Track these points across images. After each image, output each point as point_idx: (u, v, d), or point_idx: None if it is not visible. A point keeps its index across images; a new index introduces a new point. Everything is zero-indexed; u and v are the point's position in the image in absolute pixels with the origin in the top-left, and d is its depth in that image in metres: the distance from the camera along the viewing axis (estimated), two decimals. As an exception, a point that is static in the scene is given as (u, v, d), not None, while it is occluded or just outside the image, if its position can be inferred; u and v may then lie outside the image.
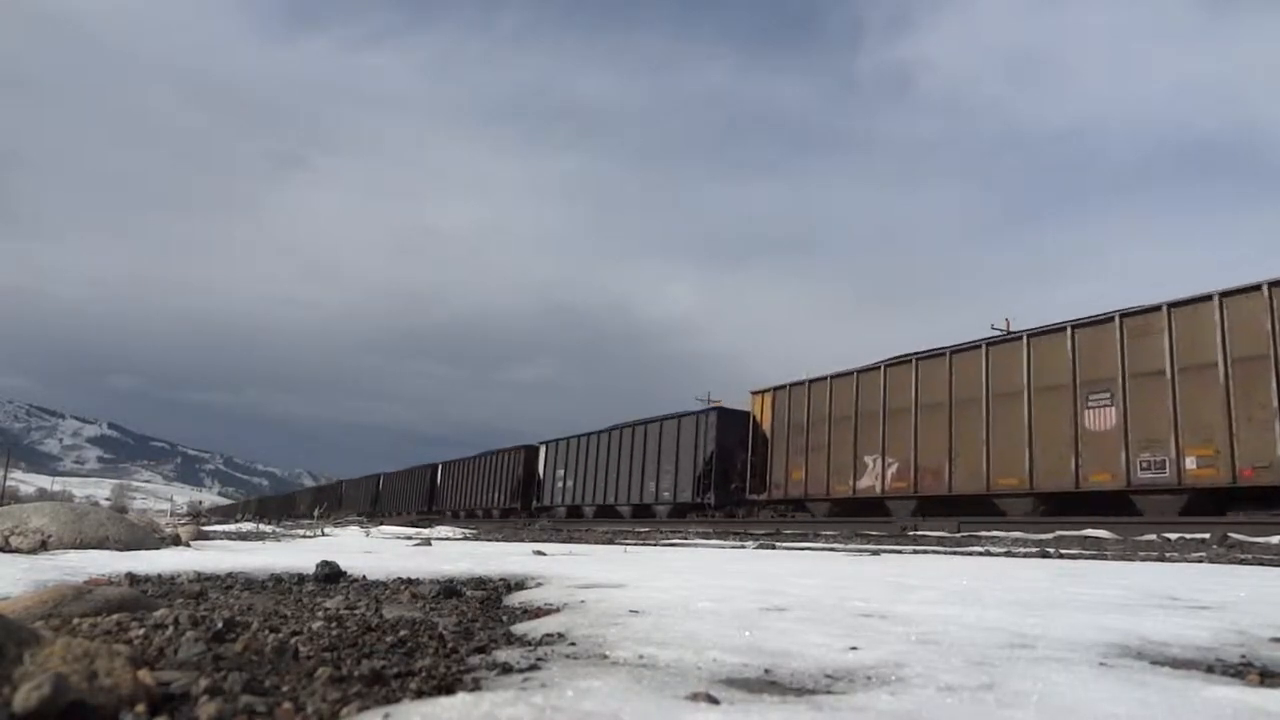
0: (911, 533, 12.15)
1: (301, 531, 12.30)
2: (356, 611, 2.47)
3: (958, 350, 14.80)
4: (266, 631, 1.93)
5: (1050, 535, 10.47)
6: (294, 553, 5.34)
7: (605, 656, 1.78)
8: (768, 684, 1.57)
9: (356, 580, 3.52)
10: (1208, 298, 11.27)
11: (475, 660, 1.74)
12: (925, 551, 7.29)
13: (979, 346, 14.34)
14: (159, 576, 3.50)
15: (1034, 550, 7.49)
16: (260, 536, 9.71)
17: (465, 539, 10.62)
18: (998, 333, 15.30)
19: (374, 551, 5.89)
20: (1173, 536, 9.50)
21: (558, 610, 2.55)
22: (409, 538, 9.75)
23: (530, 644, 1.96)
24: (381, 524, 20.51)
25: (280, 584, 3.37)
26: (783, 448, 18.44)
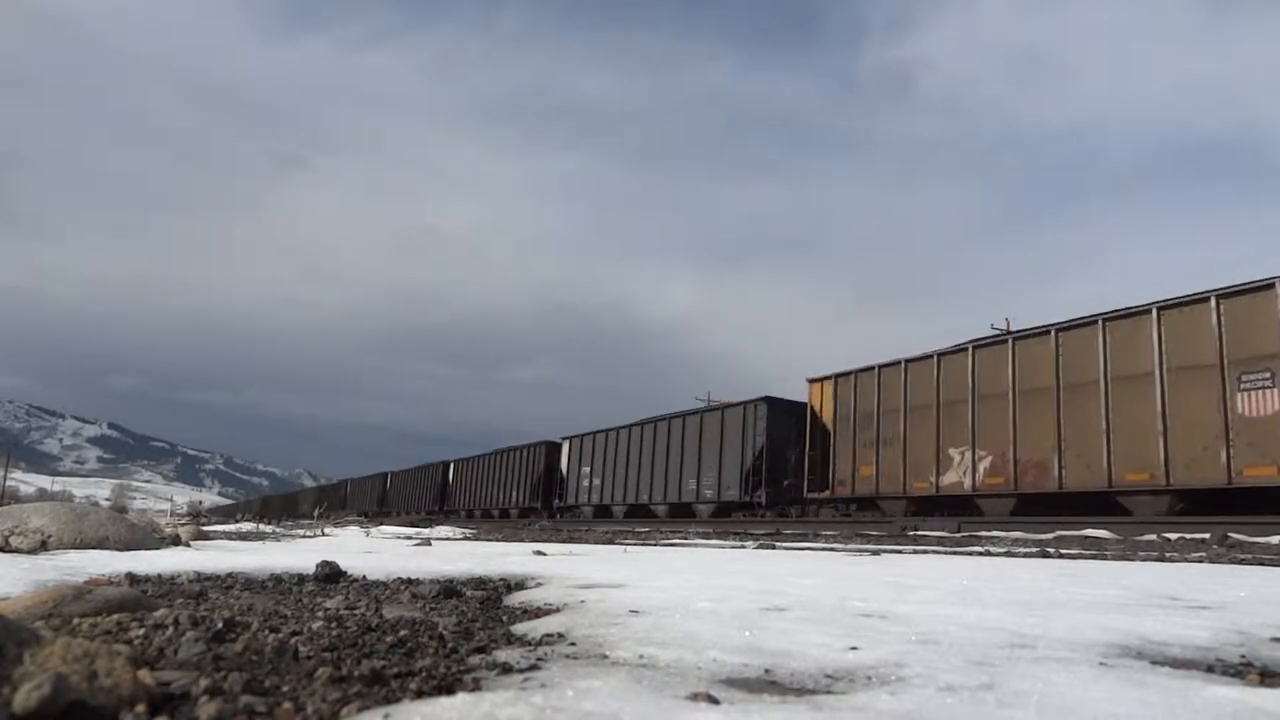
0: (911, 533, 12.14)
1: (301, 532, 12.30)
2: (356, 611, 2.47)
3: (1066, 328, 12.91)
4: (266, 631, 1.93)
5: (1050, 535, 10.46)
6: (294, 553, 5.34)
7: (605, 656, 1.78)
8: (768, 684, 1.57)
9: (356, 580, 3.52)
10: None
11: (475, 660, 1.74)
12: (925, 551, 7.29)
13: (1094, 323, 12.47)
14: (159, 576, 3.50)
15: (1034, 550, 7.49)
16: (260, 537, 9.71)
17: (465, 539, 10.62)
18: (997, 332, 15.06)
19: (374, 552, 5.89)
20: (1173, 536, 9.50)
21: (558, 610, 2.55)
22: (409, 538, 9.75)
23: (530, 644, 1.96)
24: (382, 524, 20.49)
25: (280, 584, 3.37)
26: (848, 441, 16.50)
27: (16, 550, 4.90)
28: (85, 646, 1.27)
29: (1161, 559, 6.08)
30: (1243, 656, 1.89)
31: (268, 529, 13.66)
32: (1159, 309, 11.74)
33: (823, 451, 17.25)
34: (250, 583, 3.39)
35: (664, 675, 1.58)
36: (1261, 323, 10.72)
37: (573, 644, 1.94)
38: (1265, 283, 10.76)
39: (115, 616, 2.01)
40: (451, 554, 5.59)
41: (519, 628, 2.22)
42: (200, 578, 3.49)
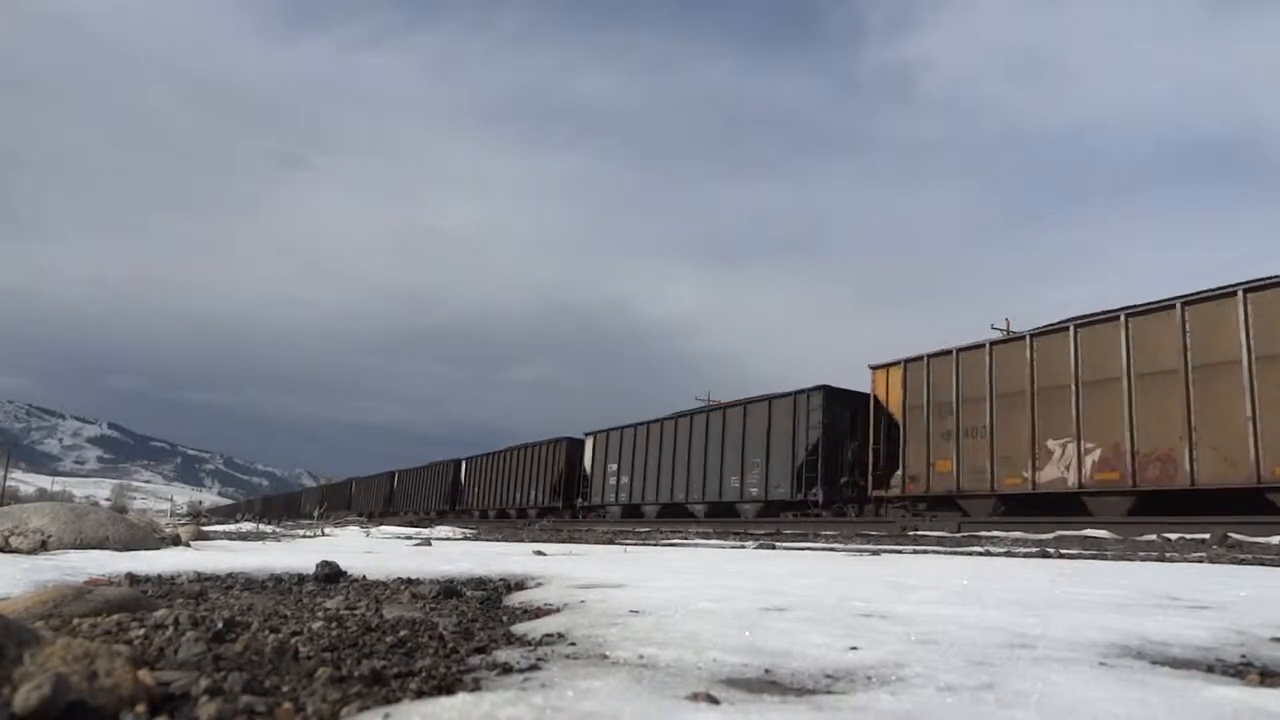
0: (911, 533, 12.13)
1: (301, 532, 12.30)
2: (356, 611, 2.47)
3: (1193, 301, 11.27)
4: (266, 631, 1.93)
5: (1050, 535, 10.46)
6: (294, 553, 5.34)
7: (605, 657, 1.78)
8: (768, 684, 1.57)
9: (356, 580, 3.52)
10: None
11: (475, 660, 1.74)
12: (925, 551, 7.29)
13: (1232, 294, 10.86)
14: (159, 577, 3.50)
15: (1034, 550, 7.49)
16: (260, 537, 9.71)
17: (465, 539, 10.62)
18: (998, 332, 14.76)
19: (374, 552, 5.89)
20: (1173, 536, 9.50)
21: (558, 610, 2.55)
22: (409, 538, 9.75)
23: (530, 644, 1.96)
24: (382, 524, 20.46)
25: (280, 584, 3.37)
26: (920, 433, 14.83)
27: (16, 550, 4.90)
28: (85, 646, 1.27)
29: (1161, 559, 6.08)
30: (1243, 656, 1.89)
31: (268, 529, 13.66)
32: None
33: (889, 445, 15.66)
34: (250, 583, 3.39)
35: (664, 675, 1.58)
36: None
37: (573, 644, 1.94)
38: None
39: (115, 617, 2.01)
40: (451, 554, 5.59)
41: (519, 628, 2.22)
42: (200, 578, 3.49)
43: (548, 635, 2.06)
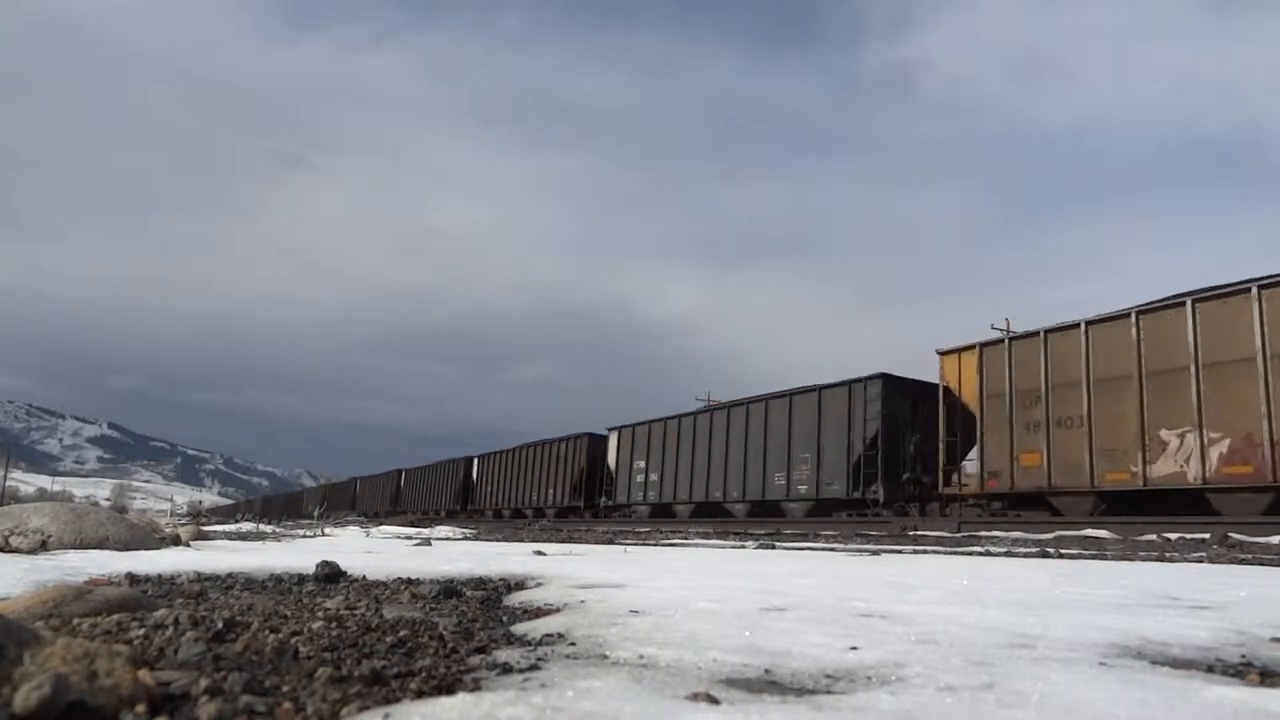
0: (911, 533, 12.11)
1: (301, 532, 12.31)
2: (356, 611, 2.47)
3: None
4: (266, 631, 1.93)
5: (1050, 535, 10.45)
6: (294, 553, 5.34)
7: (605, 657, 1.78)
8: (768, 684, 1.57)
9: (356, 580, 3.52)
10: None
11: (475, 660, 1.74)
12: (925, 551, 7.29)
13: None
14: (159, 576, 3.50)
15: (1034, 550, 7.49)
16: (260, 537, 9.71)
17: (465, 539, 10.62)
18: (998, 333, 14.41)
19: (374, 551, 5.89)
20: (1173, 536, 9.50)
21: (558, 610, 2.55)
22: (409, 538, 9.76)
23: (530, 644, 1.96)
24: (382, 524, 20.45)
25: (280, 584, 3.37)
26: (1001, 423, 13.37)
27: (16, 550, 4.90)
28: (85, 646, 1.27)
29: (1161, 559, 6.08)
30: (1243, 656, 1.89)
31: (267, 529, 13.66)
32: None
33: (964, 438, 14.29)
34: (250, 583, 3.39)
35: (664, 675, 1.58)
36: None
37: (573, 644, 1.94)
38: None
39: (115, 616, 2.01)
40: (451, 554, 5.59)
41: (519, 628, 2.22)
42: (200, 578, 3.49)
43: (548, 635, 2.06)
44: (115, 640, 1.73)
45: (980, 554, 6.89)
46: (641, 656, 1.77)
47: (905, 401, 15.72)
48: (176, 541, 6.47)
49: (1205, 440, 10.97)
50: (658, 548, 7.93)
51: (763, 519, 17.44)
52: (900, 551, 7.17)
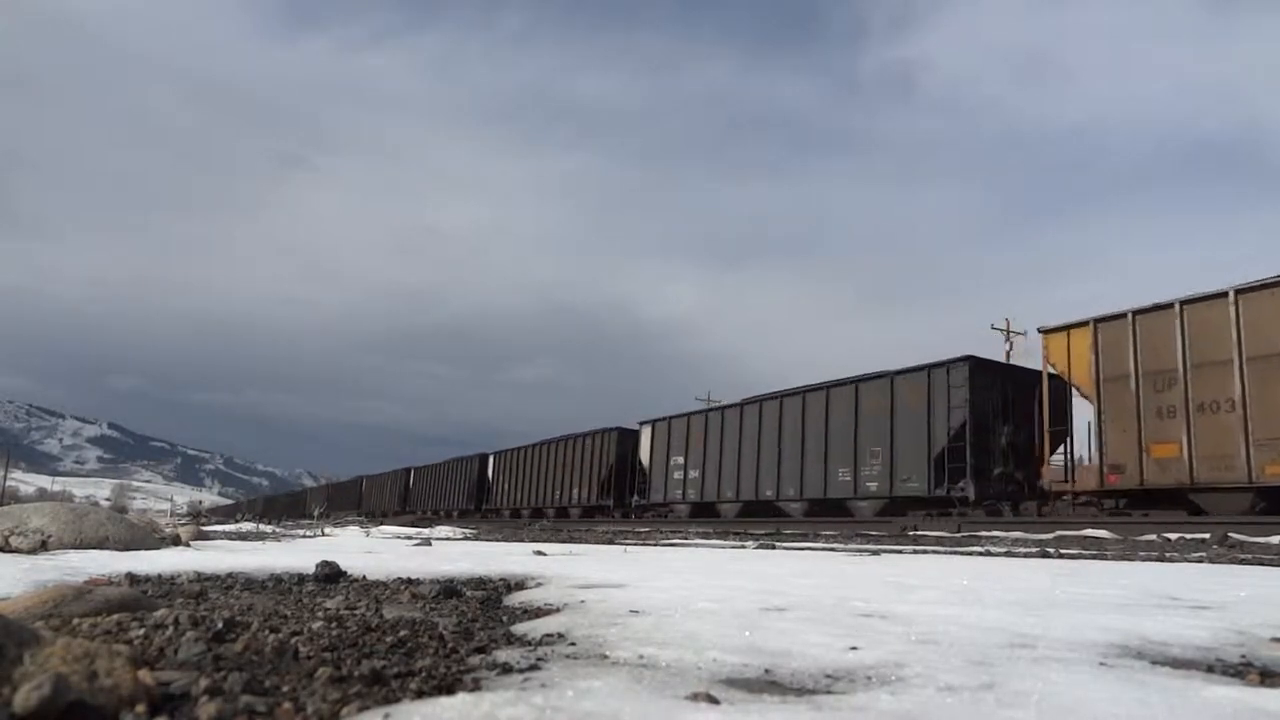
0: (911, 533, 12.11)
1: (301, 532, 12.31)
2: (356, 611, 2.47)
3: None
4: (266, 631, 1.93)
5: (1050, 535, 10.45)
6: (294, 553, 5.34)
7: (605, 657, 1.78)
8: (768, 684, 1.57)
9: (356, 580, 3.52)
10: None
11: (475, 660, 1.74)
12: (925, 551, 7.29)
13: None
14: (159, 576, 3.50)
15: (1034, 550, 7.49)
16: (260, 537, 9.72)
17: (465, 539, 10.62)
18: (998, 333, 14.18)
19: (374, 551, 5.89)
20: (1173, 536, 9.49)
21: (558, 610, 2.55)
22: (409, 538, 9.76)
23: (530, 644, 1.96)
24: (382, 524, 20.43)
25: (280, 584, 3.37)
26: (1126, 410, 11.60)
27: (16, 550, 4.90)
28: (85, 646, 1.27)
29: (1161, 559, 6.08)
30: (1243, 656, 1.89)
31: (268, 529, 13.66)
32: None
33: (1072, 425, 12.66)
34: (250, 583, 3.39)
35: (664, 675, 1.58)
36: None
37: (573, 644, 1.94)
38: None
39: (115, 616, 2.01)
40: (451, 554, 5.59)
41: (519, 628, 2.22)
42: (200, 578, 3.49)
43: (548, 635, 2.06)
44: (115, 640, 1.73)
45: (980, 554, 6.88)
46: (641, 656, 1.77)
47: (994, 387, 14.13)
48: (176, 541, 6.47)
49: None
50: (658, 548, 7.93)
51: (764, 519, 16.76)
52: (900, 551, 7.17)
